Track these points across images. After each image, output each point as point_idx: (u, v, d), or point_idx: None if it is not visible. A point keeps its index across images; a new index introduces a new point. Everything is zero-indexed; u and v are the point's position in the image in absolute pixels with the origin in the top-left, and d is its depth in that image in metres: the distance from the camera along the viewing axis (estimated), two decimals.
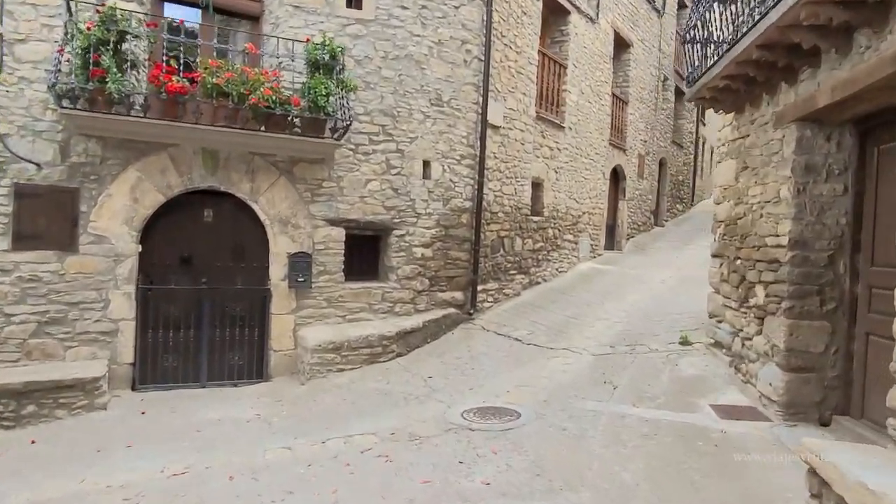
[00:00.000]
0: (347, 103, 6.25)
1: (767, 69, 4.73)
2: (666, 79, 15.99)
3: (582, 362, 6.47)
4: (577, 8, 10.56)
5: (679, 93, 17.34)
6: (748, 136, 5.71)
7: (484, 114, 7.88)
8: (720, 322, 6.34)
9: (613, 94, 12.61)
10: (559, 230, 10.39)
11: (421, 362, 6.62)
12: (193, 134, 5.75)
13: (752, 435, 4.48)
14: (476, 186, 7.90)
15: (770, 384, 4.91)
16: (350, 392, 5.86)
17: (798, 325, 4.70)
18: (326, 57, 6.12)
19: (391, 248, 7.16)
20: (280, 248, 6.43)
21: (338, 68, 6.23)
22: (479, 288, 8.04)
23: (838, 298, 4.69)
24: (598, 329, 7.64)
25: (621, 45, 12.87)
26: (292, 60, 6.05)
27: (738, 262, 5.77)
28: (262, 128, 5.90)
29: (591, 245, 11.76)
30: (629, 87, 13.48)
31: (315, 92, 5.93)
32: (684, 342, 6.83)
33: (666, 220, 16.61)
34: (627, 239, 13.64)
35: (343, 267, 6.79)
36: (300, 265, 6.48)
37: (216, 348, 6.23)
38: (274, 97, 5.74)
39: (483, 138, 7.90)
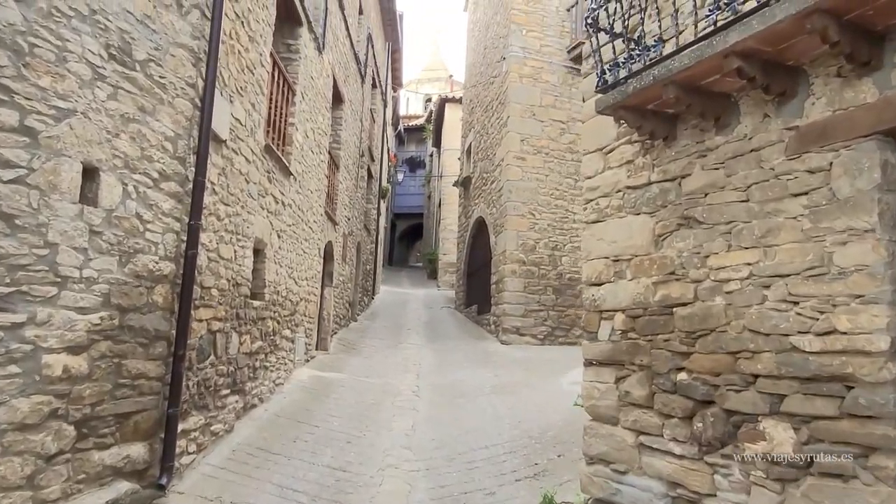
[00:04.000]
0: None
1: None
2: (363, 155, 14.19)
3: None
4: (310, 24, 7.86)
5: (370, 175, 15.76)
6: (686, 175, 3.69)
7: (206, 109, 4.38)
8: (624, 474, 3.96)
9: (330, 153, 10.03)
10: (279, 322, 6.99)
11: None
12: None
13: None
14: (186, 236, 4.22)
15: None
16: None
17: None
18: None
19: None
20: None
21: None
22: (179, 428, 4.16)
23: None
24: (396, 489, 4.54)
25: (337, 97, 10.53)
26: None
27: (683, 376, 3.55)
28: None
29: (306, 344, 8.54)
30: (340, 150, 11.12)
31: None
32: None
33: (359, 314, 14.30)
34: (332, 336, 10.76)
35: None
36: None
37: None
38: None
39: (203, 151, 4.35)
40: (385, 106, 18.62)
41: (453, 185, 21.74)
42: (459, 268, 17.16)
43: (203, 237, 4.57)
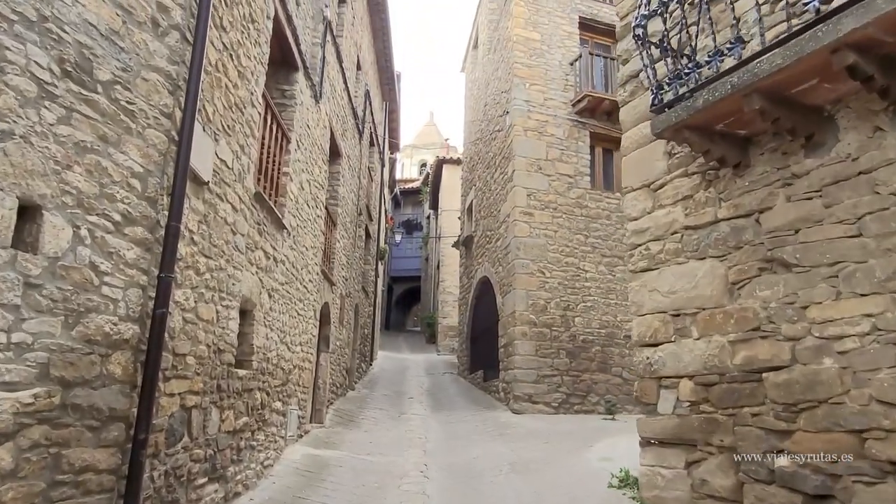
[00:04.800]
0: None
1: None
2: (360, 213, 13.62)
3: None
4: (307, 70, 7.39)
5: (367, 234, 15.15)
6: (766, 209, 3.03)
7: (184, 144, 3.73)
8: None
9: (327, 209, 9.41)
10: (268, 394, 6.16)
11: None
12: None
13: None
14: (154, 292, 3.48)
15: None
16: None
17: None
18: None
19: None
20: None
21: None
22: None
23: None
24: None
25: (334, 151, 10.01)
26: None
27: (783, 462, 2.77)
28: None
29: (300, 417, 7.65)
30: (338, 206, 10.52)
31: None
32: None
33: (356, 382, 13.37)
34: (328, 406, 9.84)
35: None
36: None
37: None
38: None
39: (179, 192, 3.67)
40: (383, 165, 18.24)
41: (453, 246, 21.20)
42: (462, 331, 16.33)
43: (178, 294, 3.85)
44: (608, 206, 11.82)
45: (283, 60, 6.87)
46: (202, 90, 4.09)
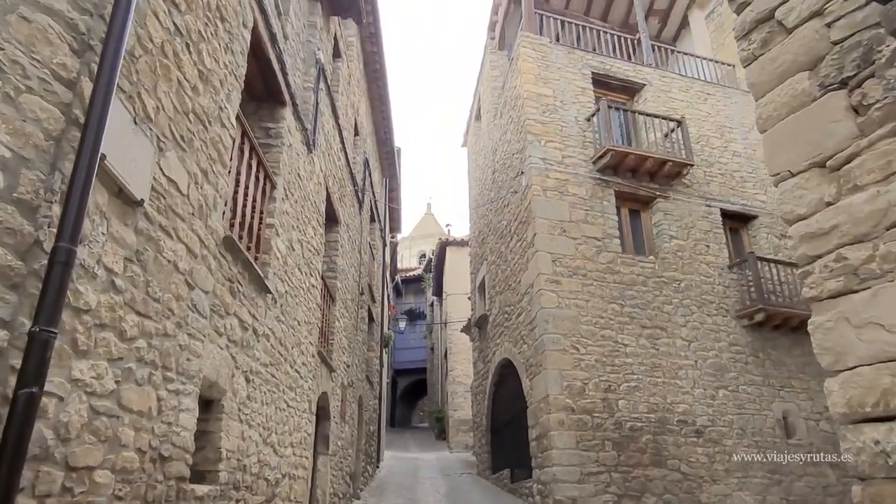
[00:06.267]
0: None
1: None
2: (363, 293, 12.21)
3: None
4: (295, 107, 6.22)
5: (370, 317, 13.65)
6: None
7: (93, 128, 2.38)
8: None
9: (324, 280, 8.01)
10: None
11: None
12: None
13: None
14: (21, 359, 2.01)
15: None
16: None
17: None
18: None
19: None
20: None
21: None
22: None
23: None
24: None
25: (331, 216, 8.76)
26: None
27: None
28: None
29: None
30: (336, 279, 9.11)
31: None
32: None
33: (362, 489, 11.43)
34: None
35: None
36: None
37: None
38: None
39: (78, 201, 2.28)
40: (385, 245, 17.02)
41: (462, 331, 19.68)
42: (479, 423, 14.46)
43: (79, 366, 2.38)
44: (643, 270, 10.43)
45: (267, 94, 5.74)
46: (137, 70, 2.82)
